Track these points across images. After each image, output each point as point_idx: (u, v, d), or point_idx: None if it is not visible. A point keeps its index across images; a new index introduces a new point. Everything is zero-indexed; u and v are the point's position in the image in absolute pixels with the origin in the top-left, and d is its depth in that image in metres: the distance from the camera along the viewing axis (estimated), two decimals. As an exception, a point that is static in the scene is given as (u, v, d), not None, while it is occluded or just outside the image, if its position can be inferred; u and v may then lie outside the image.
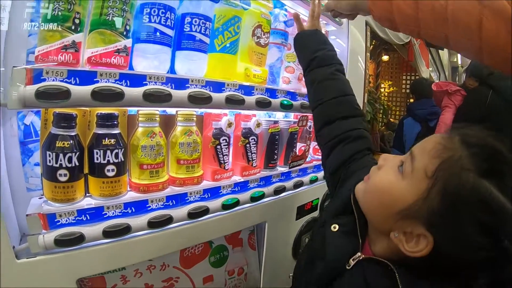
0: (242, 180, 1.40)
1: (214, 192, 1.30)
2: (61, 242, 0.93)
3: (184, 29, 1.16)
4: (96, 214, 1.02)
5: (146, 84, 1.03)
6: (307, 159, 1.76)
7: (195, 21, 1.15)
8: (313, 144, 1.89)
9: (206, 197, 1.27)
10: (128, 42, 1.02)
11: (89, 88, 0.91)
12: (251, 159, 1.44)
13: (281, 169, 1.63)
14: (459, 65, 8.14)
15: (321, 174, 1.84)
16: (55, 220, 0.96)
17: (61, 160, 0.95)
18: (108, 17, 0.97)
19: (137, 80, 1.01)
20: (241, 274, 1.58)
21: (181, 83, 1.11)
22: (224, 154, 1.33)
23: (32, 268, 0.91)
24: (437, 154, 0.66)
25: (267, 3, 1.43)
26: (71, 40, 0.92)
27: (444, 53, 6.77)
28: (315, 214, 1.86)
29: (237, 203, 1.34)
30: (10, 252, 0.87)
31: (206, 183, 1.30)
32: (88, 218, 1.01)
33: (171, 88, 1.08)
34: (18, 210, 0.99)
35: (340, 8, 1.25)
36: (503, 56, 0.76)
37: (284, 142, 1.63)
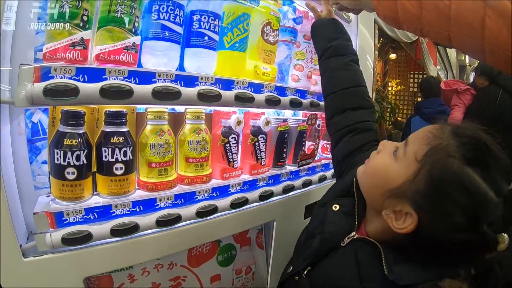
0: (251, 178, 1.39)
1: (223, 191, 1.29)
2: (68, 241, 0.93)
3: (193, 26, 1.14)
4: (104, 212, 1.01)
5: (155, 82, 1.02)
6: (316, 158, 1.74)
7: (204, 18, 1.14)
8: (322, 142, 1.87)
9: (215, 195, 1.26)
10: (136, 39, 1.01)
11: (97, 86, 0.90)
12: (260, 157, 1.43)
13: (290, 167, 1.61)
14: (467, 64, 8.08)
15: (329, 173, 1.82)
16: (63, 218, 0.95)
17: (69, 158, 0.94)
18: (116, 14, 0.96)
19: (146, 77, 1.00)
20: (249, 273, 1.57)
21: (190, 81, 1.10)
22: (233, 152, 1.32)
23: (39, 266, 0.91)
24: (427, 142, 0.73)
25: (276, 1, 1.41)
26: (79, 37, 0.91)
27: (452, 52, 6.72)
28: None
29: (245, 201, 1.32)
30: (17, 251, 0.87)
31: (215, 182, 1.29)
32: (96, 216, 1.00)
33: (180, 85, 1.07)
34: (25, 208, 0.99)
35: (343, 2, 1.27)
36: (504, 56, 0.79)
37: (293, 140, 1.62)
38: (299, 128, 1.61)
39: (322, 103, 1.59)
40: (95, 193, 1.07)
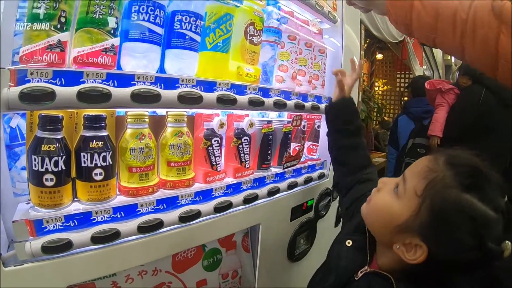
0: (235, 181, 1.38)
1: (206, 195, 1.27)
2: (48, 249, 0.90)
3: (174, 27, 1.12)
4: (84, 219, 0.99)
5: (134, 84, 0.99)
6: (302, 159, 1.74)
7: (186, 19, 1.12)
8: (308, 143, 1.87)
9: (198, 200, 1.24)
10: (115, 41, 0.99)
11: (75, 89, 0.88)
12: (244, 160, 1.42)
13: (275, 170, 1.60)
14: (453, 64, 8.16)
15: (315, 174, 1.82)
16: (42, 226, 0.92)
17: (47, 164, 0.91)
18: (95, 15, 0.94)
19: (125, 80, 0.98)
20: (235, 277, 1.55)
21: (171, 83, 1.08)
22: (216, 155, 1.30)
23: (20, 276, 0.88)
24: (424, 176, 0.78)
25: (259, 1, 1.39)
26: (57, 39, 0.89)
27: (437, 52, 6.78)
28: (310, 215, 1.84)
29: (230, 205, 1.31)
30: (-3, 260, 0.84)
31: (198, 186, 1.27)
32: (76, 224, 0.98)
33: (161, 88, 1.05)
34: (5, 215, 0.95)
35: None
36: None
37: (278, 142, 1.61)
38: (284, 129, 1.60)
39: (307, 104, 1.59)
40: (75, 199, 1.04)
